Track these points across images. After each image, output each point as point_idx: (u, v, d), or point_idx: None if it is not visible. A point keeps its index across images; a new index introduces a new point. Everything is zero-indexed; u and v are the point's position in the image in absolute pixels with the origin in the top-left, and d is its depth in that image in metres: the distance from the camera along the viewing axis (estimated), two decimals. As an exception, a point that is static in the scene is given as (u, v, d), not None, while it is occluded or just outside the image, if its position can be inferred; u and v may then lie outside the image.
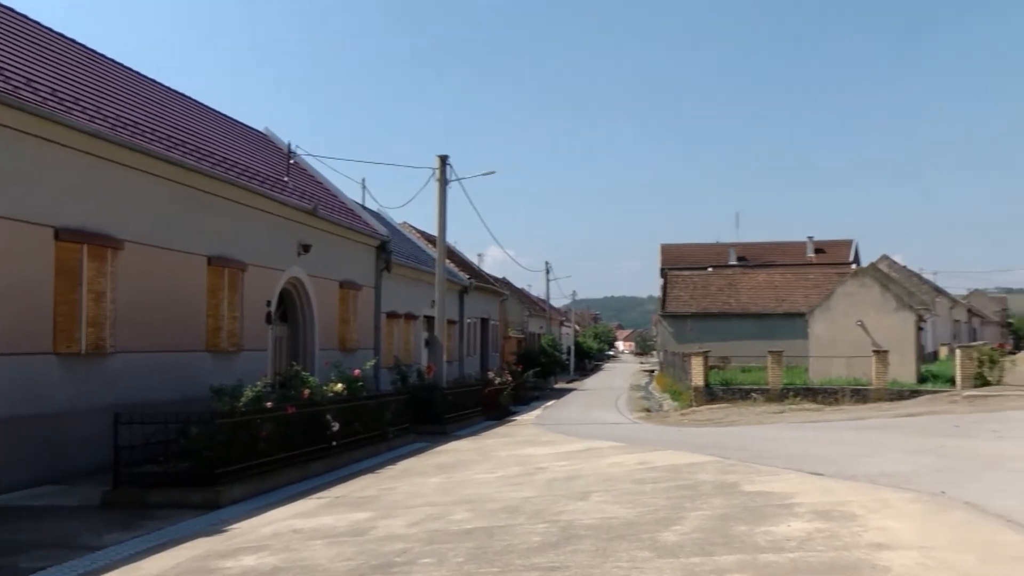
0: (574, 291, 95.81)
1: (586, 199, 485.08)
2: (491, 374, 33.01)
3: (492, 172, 30.05)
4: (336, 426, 15.94)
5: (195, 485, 11.78)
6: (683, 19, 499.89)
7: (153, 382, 14.91)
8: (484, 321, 43.69)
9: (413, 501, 11.65)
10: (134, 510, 11.17)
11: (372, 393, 19.83)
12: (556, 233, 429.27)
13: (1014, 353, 69.16)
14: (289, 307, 21.42)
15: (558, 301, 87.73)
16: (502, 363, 43.96)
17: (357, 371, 18.14)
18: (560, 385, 52.53)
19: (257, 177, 19.71)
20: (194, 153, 17.10)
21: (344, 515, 10.76)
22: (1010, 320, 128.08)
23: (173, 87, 21.62)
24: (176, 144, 16.64)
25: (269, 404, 13.81)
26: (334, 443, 15.90)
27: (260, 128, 26.04)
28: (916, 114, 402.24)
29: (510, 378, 33.93)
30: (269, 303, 19.60)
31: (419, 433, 20.93)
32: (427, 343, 29.47)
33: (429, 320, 28.55)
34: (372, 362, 21.78)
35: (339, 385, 17.06)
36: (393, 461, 16.86)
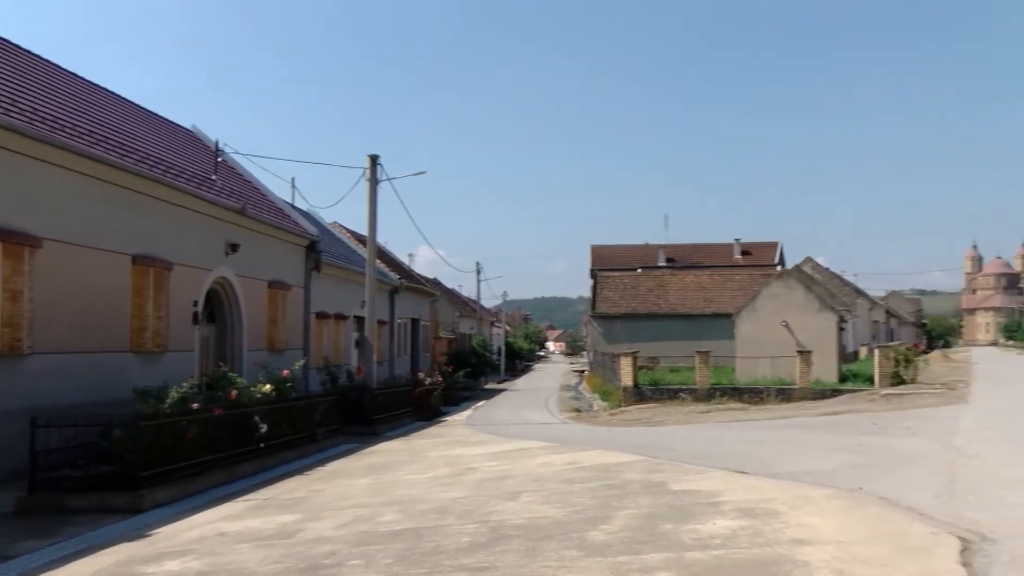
0: (505, 292, 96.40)
1: (517, 200, 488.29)
2: (422, 375, 32.90)
3: (423, 172, 29.90)
4: (264, 427, 15.77)
5: (117, 489, 11.53)
6: (610, 25, 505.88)
7: (74, 384, 14.51)
8: (415, 321, 43.55)
9: (342, 503, 11.58)
10: (52, 516, 10.88)
11: (301, 394, 19.63)
12: (487, 234, 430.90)
13: (927, 353, 71.82)
14: (217, 307, 21.08)
15: (489, 301, 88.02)
16: (433, 364, 43.84)
17: (286, 372, 17.94)
18: (491, 385, 52.59)
19: (184, 175, 19.35)
20: (118, 150, 16.70)
21: (272, 517, 10.65)
22: (924, 321, 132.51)
23: (97, 83, 21.10)
24: (99, 140, 16.23)
25: (195, 405, 13.58)
26: (262, 444, 15.72)
27: (187, 126, 25.56)
28: (839, 119, 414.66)
29: (440, 379, 33.85)
30: (196, 303, 19.25)
31: (349, 434, 20.79)
32: (357, 343, 29.27)
33: (359, 320, 28.35)
34: (301, 362, 21.57)
35: (267, 386, 16.85)
36: (322, 462, 16.73)
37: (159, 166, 18.19)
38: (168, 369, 16.56)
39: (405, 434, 22.90)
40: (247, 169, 26.04)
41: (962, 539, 7.23)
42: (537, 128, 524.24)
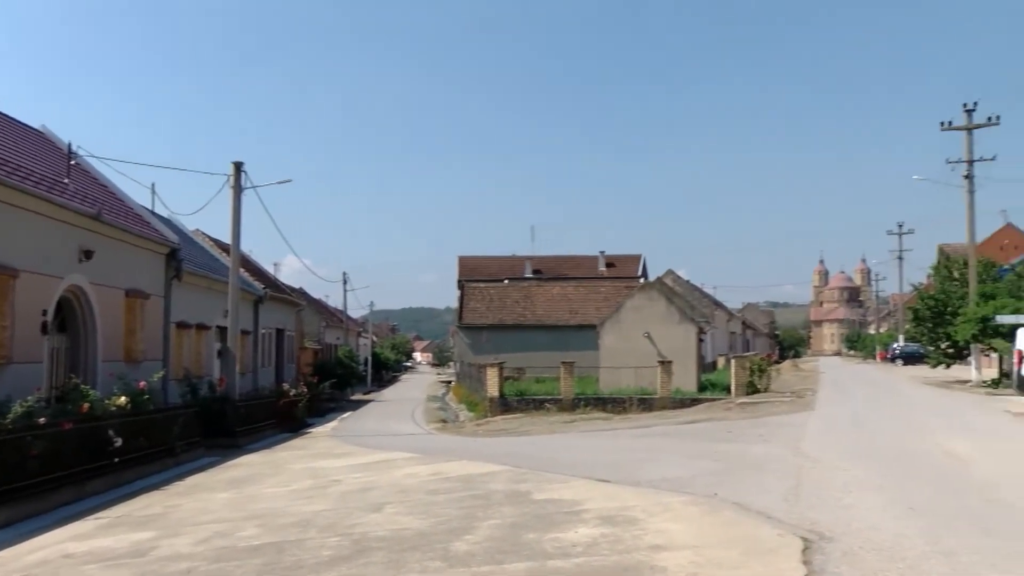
0: (372, 302, 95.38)
1: (386, 211, 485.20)
2: (286, 386, 32.35)
3: (288, 180, 29.23)
4: (119, 442, 15.16)
5: (-46, 510, 10.88)
6: (466, 37, 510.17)
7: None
8: (280, 332, 42.67)
9: (201, 518, 11.26)
10: None
11: (160, 406, 18.98)
12: (355, 244, 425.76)
13: (780, 362, 75.20)
14: (69, 316, 20.09)
15: (356, 312, 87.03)
16: (298, 374, 43.05)
17: (143, 383, 17.30)
18: (357, 397, 52.03)
19: (32, 177, 18.39)
20: (-41, 149, 15.76)
21: (124, 535, 10.25)
22: (777, 332, 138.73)
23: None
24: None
25: (42, 420, 12.94)
26: (117, 459, 15.10)
27: (36, 126, 24.31)
28: (700, 136, 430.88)
29: (306, 390, 33.32)
30: (45, 312, 18.30)
31: (210, 447, 20.22)
32: (220, 354, 28.44)
33: (222, 330, 27.55)
34: (160, 374, 20.83)
35: (123, 398, 16.24)
36: (181, 477, 16.21)
37: (3, 167, 17.24)
38: (12, 382, 15.68)
39: (269, 446, 22.44)
40: (104, 174, 24.96)
41: (804, 539, 7.68)
42: (405, 138, 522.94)
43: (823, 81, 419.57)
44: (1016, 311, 29.55)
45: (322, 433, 27.17)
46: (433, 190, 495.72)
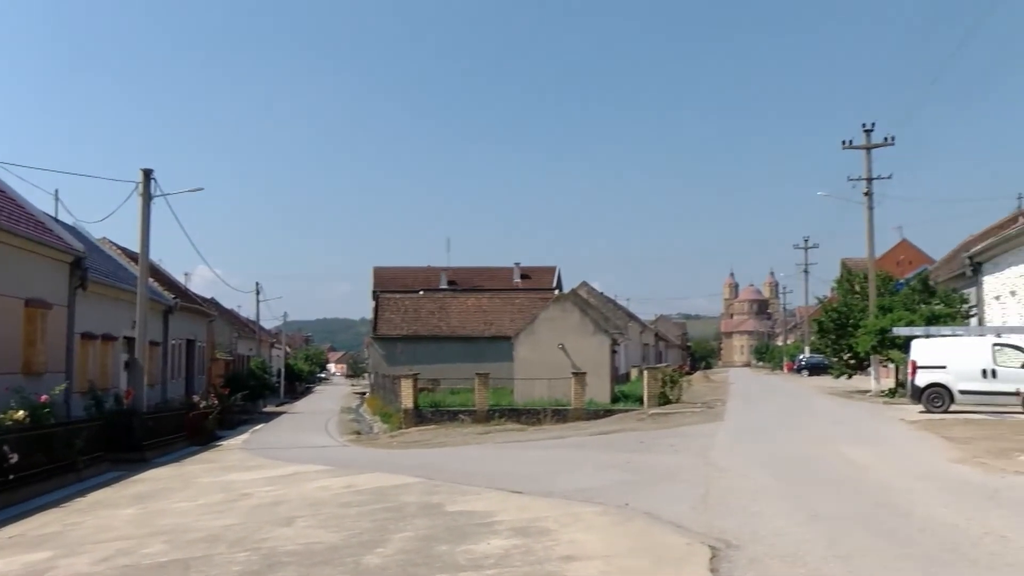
0: (286, 313, 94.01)
1: (301, 221, 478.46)
2: (196, 398, 31.68)
3: (200, 189, 28.75)
4: (15, 458, 14.61)
5: None
6: (392, 45, 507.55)
7: None
8: (190, 343, 41.76)
9: (102, 535, 10.93)
10: None
11: (61, 420, 18.36)
12: (269, 253, 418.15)
13: (691, 373, 76.66)
14: (-38, 327, 19.31)
15: (269, 323, 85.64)
16: (209, 386, 42.13)
17: (44, 397, 16.71)
18: (270, 409, 51.17)
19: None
20: None
21: (18, 556, 9.88)
22: (689, 344, 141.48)
23: None
24: None
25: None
26: (11, 476, 14.54)
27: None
28: (612, 152, 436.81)
29: (216, 402, 32.66)
30: (-63, 322, 17.59)
31: (115, 462, 19.66)
32: (127, 366, 27.67)
33: (130, 341, 26.79)
34: (62, 387, 20.16)
35: (20, 412, 15.66)
36: (83, 493, 15.70)
37: None
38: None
39: (177, 460, 21.93)
40: (2, 179, 24.09)
41: (712, 547, 7.87)
42: (320, 146, 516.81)
43: (731, 99, 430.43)
44: (911, 323, 30.73)
45: (233, 446, 26.68)
46: (348, 200, 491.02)
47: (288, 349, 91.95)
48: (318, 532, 9.81)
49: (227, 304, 71.60)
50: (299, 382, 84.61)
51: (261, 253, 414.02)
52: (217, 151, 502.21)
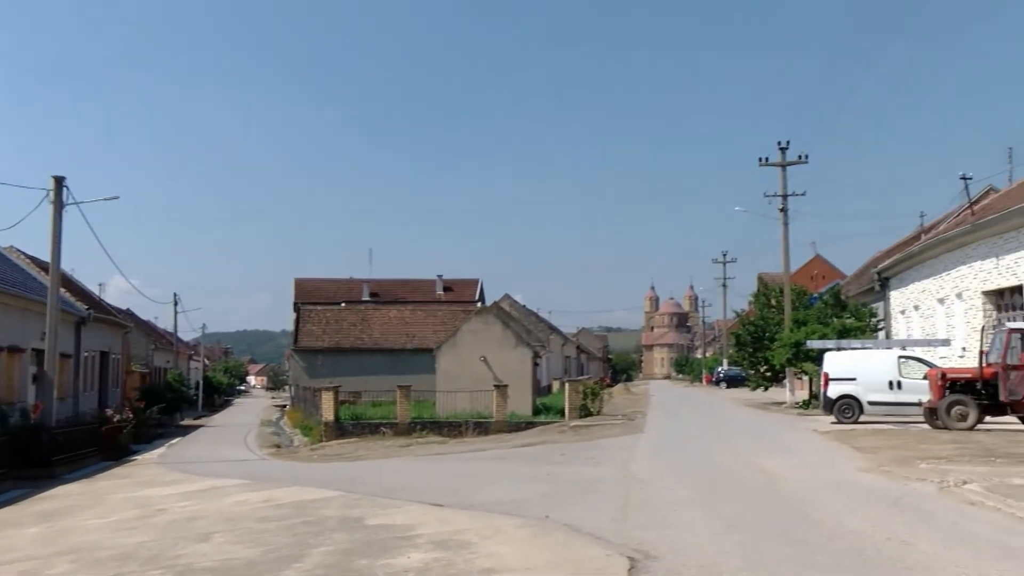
0: (204, 324, 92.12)
1: (219, 230, 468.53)
2: (110, 411, 30.89)
3: (116, 197, 27.95)
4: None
5: None
6: (314, 53, 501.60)
7: None
8: (104, 355, 40.69)
9: (3, 557, 10.54)
10: None
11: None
12: (188, 264, 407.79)
13: (612, 386, 77.48)
14: None
15: (188, 334, 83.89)
16: (123, 399, 41.11)
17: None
18: (187, 422, 50.12)
19: None
20: None
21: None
22: (610, 356, 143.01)
23: None
24: None
25: None
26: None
27: None
28: (532, 167, 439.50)
29: (132, 415, 31.89)
30: None
31: (20, 479, 19.04)
32: (36, 379, 26.81)
33: (39, 353, 25.98)
34: (-37, 401, 19.45)
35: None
36: (-15, 512, 15.14)
37: None
38: None
39: (89, 476, 21.32)
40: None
41: (631, 559, 7.99)
42: (240, 156, 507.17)
43: (654, 115, 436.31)
44: (823, 337, 31.65)
45: (149, 460, 26.10)
46: (269, 210, 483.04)
47: (207, 361, 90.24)
48: (235, 548, 9.66)
49: (144, 315, 70.10)
50: (218, 395, 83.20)
51: (180, 264, 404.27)
52: (135, 160, 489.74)
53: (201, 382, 72.48)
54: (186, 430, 43.11)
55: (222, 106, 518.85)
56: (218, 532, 10.92)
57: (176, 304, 66.29)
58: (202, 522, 12.06)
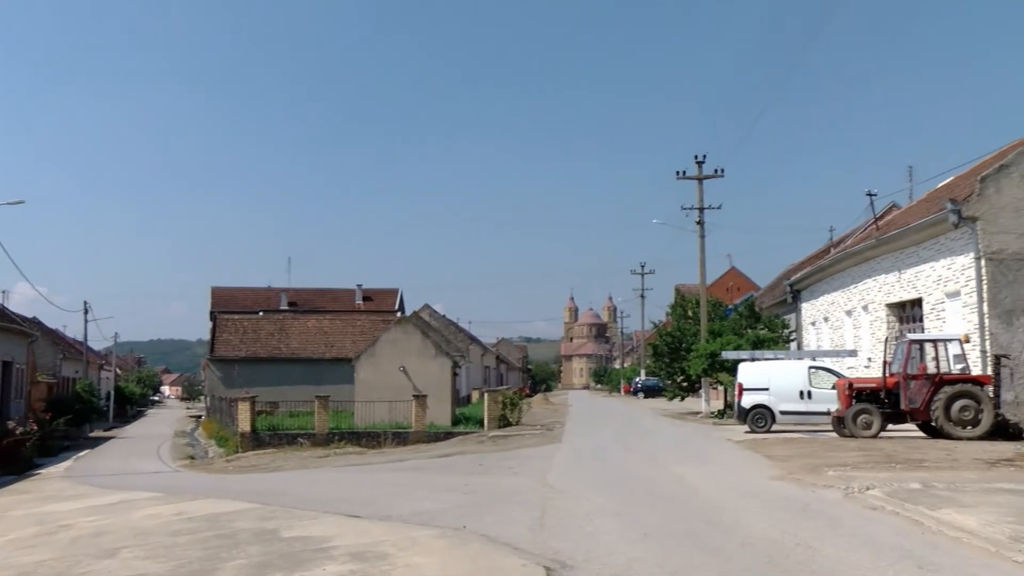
0: (117, 333, 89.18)
1: (133, 236, 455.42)
2: (12, 424, 29.81)
3: (21, 202, 27.27)
4: None
5: None
6: (226, 62, 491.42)
7: None
8: (7, 364, 39.22)
9: None
10: None
11: None
12: (99, 272, 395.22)
13: (532, 396, 77.84)
14: None
15: (99, 343, 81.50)
16: (28, 411, 39.68)
17: None
18: (97, 434, 48.67)
19: None
20: None
21: None
22: (530, 366, 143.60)
23: None
24: None
25: None
26: None
27: None
28: (454, 175, 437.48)
29: (36, 427, 30.85)
30: None
31: (-88, 495, 18.18)
32: (-70, 390, 25.77)
33: (-66, 363, 24.99)
34: None
35: None
36: None
37: None
38: None
39: (-13, 492, 20.52)
40: None
41: (547, 568, 8.07)
42: (154, 161, 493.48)
43: (571, 127, 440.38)
44: (738, 347, 32.38)
45: (54, 474, 25.30)
46: (185, 217, 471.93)
47: (119, 371, 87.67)
48: (144, 563, 9.43)
49: (52, 324, 67.86)
50: (130, 405, 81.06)
51: (91, 271, 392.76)
52: (43, 165, 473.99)
53: (112, 392, 70.42)
54: (96, 442, 41.91)
55: (142, 114, 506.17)
56: (126, 547, 10.63)
57: (86, 312, 64.50)
58: (109, 537, 11.71)
